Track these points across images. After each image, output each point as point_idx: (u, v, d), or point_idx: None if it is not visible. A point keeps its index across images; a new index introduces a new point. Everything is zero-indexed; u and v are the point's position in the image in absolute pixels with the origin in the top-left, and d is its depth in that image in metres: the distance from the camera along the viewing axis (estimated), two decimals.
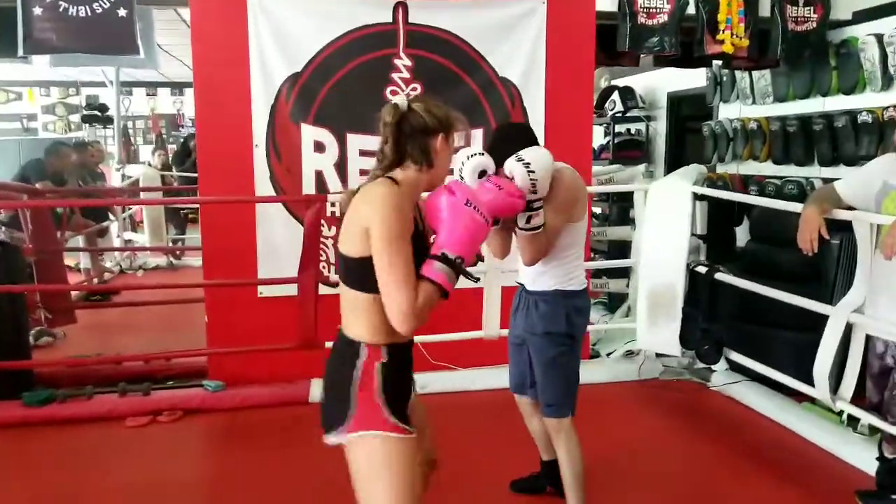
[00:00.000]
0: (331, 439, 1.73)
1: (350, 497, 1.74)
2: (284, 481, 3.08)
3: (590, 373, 4.23)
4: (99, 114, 8.72)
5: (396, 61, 4.09)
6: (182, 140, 10.85)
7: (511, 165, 2.20)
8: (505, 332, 3.88)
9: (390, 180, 1.71)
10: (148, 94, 12.93)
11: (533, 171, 2.18)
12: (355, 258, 1.67)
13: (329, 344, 1.82)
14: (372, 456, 1.68)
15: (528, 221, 2.27)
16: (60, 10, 3.72)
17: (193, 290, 4.78)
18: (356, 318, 1.72)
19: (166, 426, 3.70)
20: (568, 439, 2.53)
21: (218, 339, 4.04)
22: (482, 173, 2.13)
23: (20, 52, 3.76)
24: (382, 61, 4.08)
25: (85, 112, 9.08)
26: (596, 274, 5.25)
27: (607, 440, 3.47)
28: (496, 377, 4.12)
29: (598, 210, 6.55)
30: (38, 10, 3.71)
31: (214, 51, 3.94)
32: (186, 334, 4.66)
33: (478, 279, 1.98)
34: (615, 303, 5.75)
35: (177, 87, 12.88)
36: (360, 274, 1.67)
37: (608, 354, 4.68)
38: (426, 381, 4.05)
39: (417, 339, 3.94)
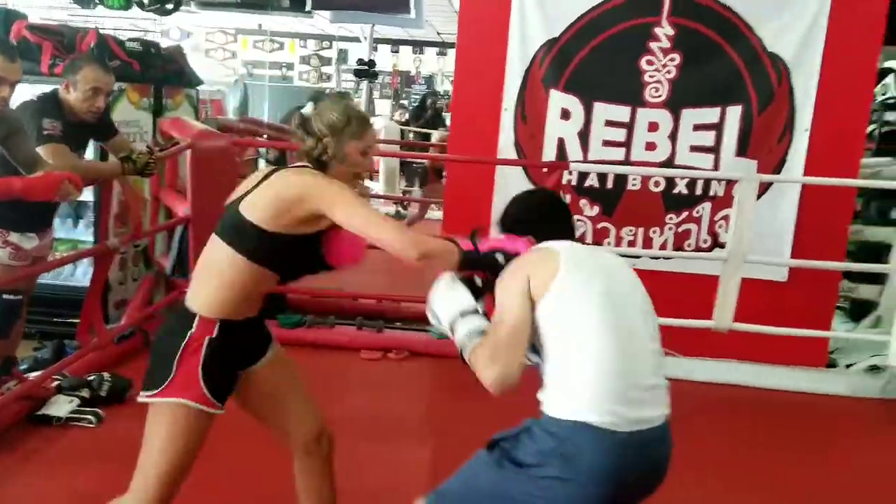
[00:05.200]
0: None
1: None
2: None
3: (825, 383, 3.94)
4: (367, 69, 9.44)
5: (657, 30, 3.94)
6: (421, 97, 11.39)
7: None
8: (738, 325, 3.72)
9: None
10: (392, 52, 13.69)
11: None
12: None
13: None
14: (166, 420, 1.74)
15: None
16: None
17: None
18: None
19: (395, 363, 4.01)
20: None
21: None
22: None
23: (308, 7, 4.15)
24: (642, 29, 3.96)
25: (356, 67, 9.85)
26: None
27: (838, 461, 3.19)
28: (719, 370, 3.96)
29: None
30: None
31: (479, 15, 4.09)
32: (413, 280, 4.95)
33: None
34: (857, 309, 5.20)
35: (418, 46, 13.51)
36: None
37: (848, 366, 4.26)
38: None
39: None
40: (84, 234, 4.08)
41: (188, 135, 3.93)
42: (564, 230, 1.79)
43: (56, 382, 3.11)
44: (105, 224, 3.64)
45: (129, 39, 4.46)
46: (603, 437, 1.46)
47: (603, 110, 4.03)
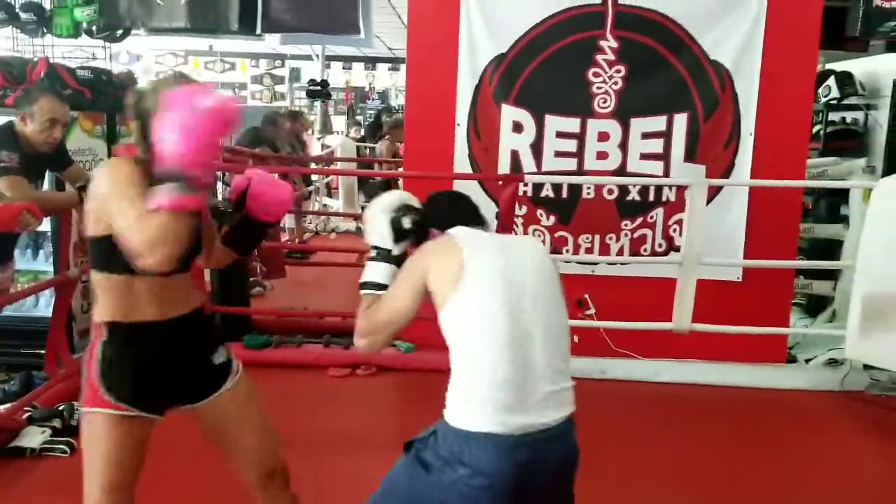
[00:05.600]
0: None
1: None
2: None
3: (786, 378, 4.06)
4: (321, 89, 9.45)
5: (602, 43, 4.05)
6: (376, 113, 11.44)
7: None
8: (697, 326, 3.82)
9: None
10: (344, 68, 13.71)
11: None
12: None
13: None
14: (87, 431, 1.77)
15: None
16: None
17: None
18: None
19: (363, 379, 4.03)
20: None
21: None
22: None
23: (258, 30, 4.16)
24: (587, 43, 4.06)
25: (309, 87, 9.83)
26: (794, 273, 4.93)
27: (803, 454, 3.31)
28: (682, 371, 4.06)
29: None
30: None
31: (428, 33, 4.16)
32: None
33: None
34: (813, 304, 5.38)
35: (370, 62, 13.55)
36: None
37: (807, 361, 4.40)
38: (606, 367, 4.07)
39: (602, 324, 3.98)
40: (44, 264, 4.04)
41: None
42: (471, 220, 1.81)
43: (27, 414, 3.12)
44: (65, 254, 3.61)
45: (80, 67, 4.41)
46: (490, 442, 1.53)
47: (554, 122, 4.12)
